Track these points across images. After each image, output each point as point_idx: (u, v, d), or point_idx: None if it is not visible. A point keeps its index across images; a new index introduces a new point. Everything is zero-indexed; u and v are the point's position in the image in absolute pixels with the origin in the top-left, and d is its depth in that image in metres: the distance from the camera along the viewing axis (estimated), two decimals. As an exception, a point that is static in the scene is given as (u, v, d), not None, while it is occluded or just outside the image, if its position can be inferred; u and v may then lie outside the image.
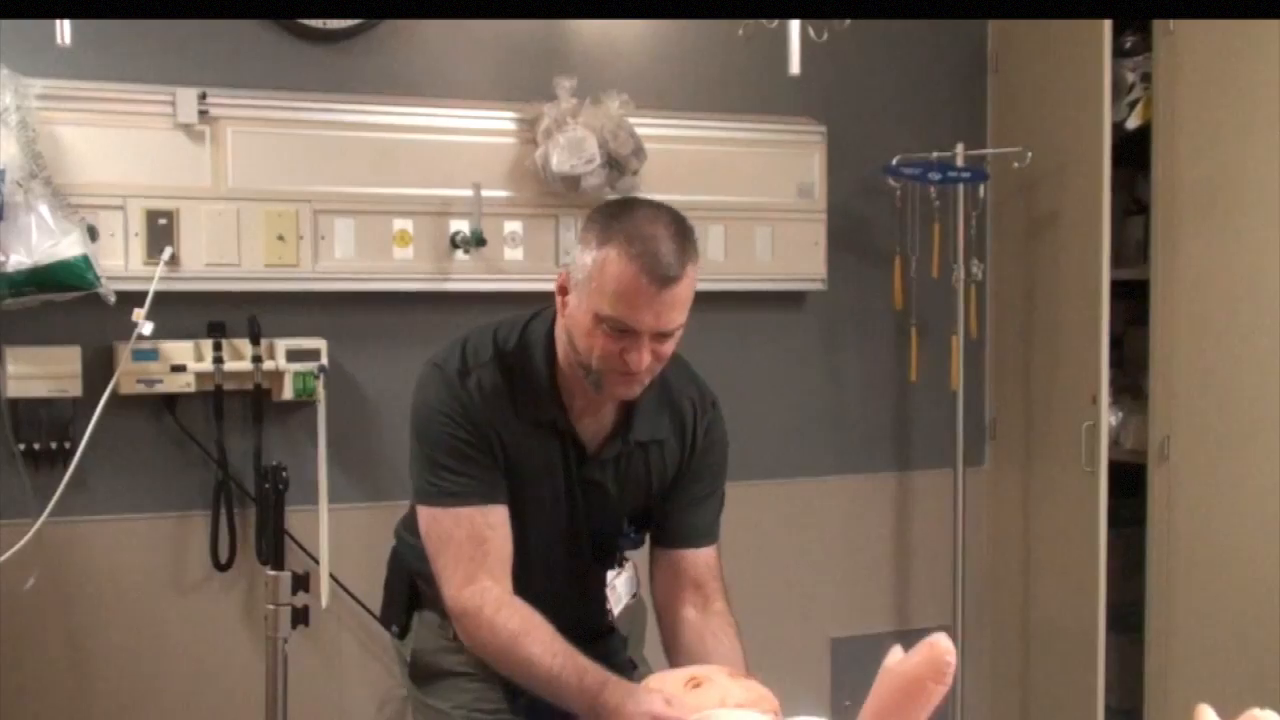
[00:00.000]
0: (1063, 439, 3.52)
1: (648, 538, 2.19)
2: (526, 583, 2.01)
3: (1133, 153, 3.45)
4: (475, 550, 1.95)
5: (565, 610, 2.01)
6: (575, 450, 2.03)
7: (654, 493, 2.09)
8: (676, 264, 1.81)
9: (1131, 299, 3.56)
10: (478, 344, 2.01)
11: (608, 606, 2.14)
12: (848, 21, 2.96)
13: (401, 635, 2.24)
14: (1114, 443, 3.51)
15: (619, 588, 2.16)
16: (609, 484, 2.06)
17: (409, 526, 2.22)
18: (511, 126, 3.27)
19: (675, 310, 1.84)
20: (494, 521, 1.97)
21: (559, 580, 2.08)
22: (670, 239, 1.83)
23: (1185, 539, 3.31)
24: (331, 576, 3.11)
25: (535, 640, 1.91)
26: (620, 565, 2.17)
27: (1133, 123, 3.43)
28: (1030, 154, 3.49)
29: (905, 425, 3.83)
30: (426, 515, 2.02)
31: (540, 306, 2.06)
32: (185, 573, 3.11)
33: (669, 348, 1.90)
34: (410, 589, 2.20)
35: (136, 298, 2.89)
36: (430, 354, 2.06)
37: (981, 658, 3.82)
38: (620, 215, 1.88)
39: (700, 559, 2.12)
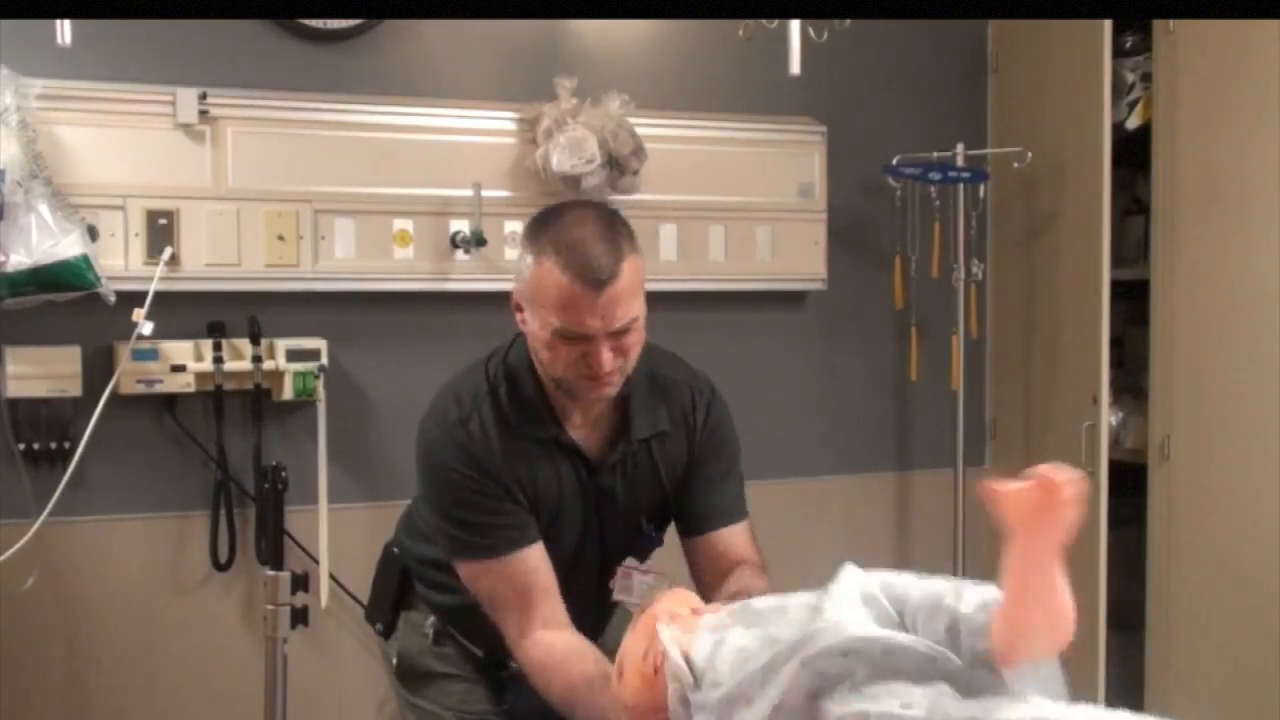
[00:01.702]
0: (1063, 439, 3.52)
1: (676, 536, 2.15)
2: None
3: (1133, 153, 3.45)
4: (521, 600, 1.93)
5: (594, 618, 2.02)
6: (582, 462, 2.01)
7: (666, 486, 2.07)
8: (609, 264, 1.80)
9: (1131, 299, 3.56)
10: (472, 385, 1.99)
11: (613, 594, 2.09)
12: (848, 21, 2.96)
13: (386, 634, 2.23)
14: (1114, 443, 3.51)
15: (634, 581, 2.10)
16: (619, 487, 2.04)
17: (409, 529, 2.22)
18: (511, 126, 3.26)
19: (620, 306, 1.82)
20: (532, 565, 1.94)
21: (586, 591, 2.06)
22: (599, 239, 1.82)
23: (1185, 539, 3.31)
24: (331, 576, 3.11)
25: (582, 689, 1.87)
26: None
27: (1133, 123, 3.43)
28: (1030, 154, 3.49)
29: (905, 425, 3.83)
30: (466, 571, 1.99)
31: (514, 334, 2.04)
32: (185, 573, 3.11)
33: (631, 340, 1.88)
34: (399, 589, 2.19)
35: (136, 298, 2.89)
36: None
37: (981, 658, 3.81)
38: (547, 225, 1.87)
39: (733, 538, 2.07)
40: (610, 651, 1.86)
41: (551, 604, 1.95)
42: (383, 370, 3.21)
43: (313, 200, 3.08)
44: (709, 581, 2.05)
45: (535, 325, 1.87)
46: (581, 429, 2.01)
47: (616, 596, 2.06)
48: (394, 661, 2.20)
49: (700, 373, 2.14)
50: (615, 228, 1.86)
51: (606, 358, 1.84)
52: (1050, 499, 1.34)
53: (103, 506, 3.02)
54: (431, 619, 2.16)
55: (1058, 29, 3.48)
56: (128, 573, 3.06)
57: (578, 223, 1.85)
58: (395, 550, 2.24)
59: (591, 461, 2.02)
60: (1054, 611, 1.42)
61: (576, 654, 1.89)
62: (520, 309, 1.92)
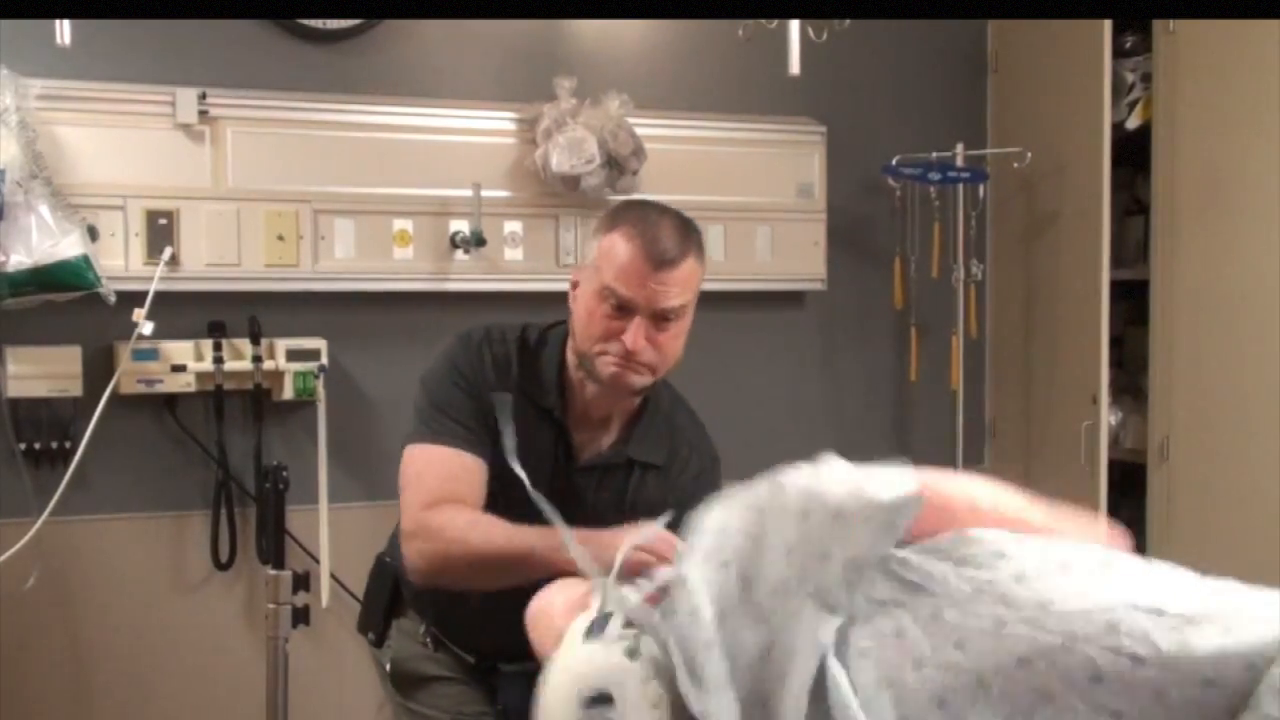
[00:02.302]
0: (1063, 439, 3.52)
1: None
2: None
3: (1133, 153, 3.45)
4: (444, 485, 1.93)
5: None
6: (564, 449, 2.02)
7: (625, 513, 2.00)
8: (675, 249, 1.89)
9: (1131, 299, 3.56)
10: (505, 329, 2.06)
11: None
12: (848, 21, 2.97)
13: (379, 643, 2.24)
14: (1114, 442, 3.51)
15: None
16: (589, 491, 2.03)
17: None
18: (511, 126, 3.27)
19: (672, 290, 1.89)
20: (470, 466, 1.94)
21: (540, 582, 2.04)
22: (672, 230, 1.92)
23: (1185, 539, 3.31)
24: (332, 576, 3.11)
25: (492, 522, 1.86)
26: None
27: (1133, 123, 3.43)
28: (1030, 154, 3.49)
29: (905, 425, 3.83)
30: (406, 456, 1.99)
31: (566, 316, 2.07)
32: (186, 572, 3.11)
33: (667, 336, 1.92)
34: (391, 597, 2.20)
35: (136, 298, 2.89)
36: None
37: (981, 658, 3.81)
38: (630, 207, 2.02)
39: None
40: None
41: (472, 504, 1.92)
42: (383, 370, 3.21)
43: (312, 200, 3.08)
44: None
45: (586, 293, 1.94)
46: (580, 422, 2.02)
47: None
48: (387, 668, 2.21)
49: (711, 443, 2.14)
50: (688, 228, 1.96)
51: (641, 340, 1.89)
52: None
53: (103, 506, 3.02)
54: (424, 627, 2.16)
55: (1058, 29, 3.48)
56: (128, 573, 3.06)
57: (659, 213, 1.96)
58: (387, 560, 2.24)
59: (574, 451, 2.03)
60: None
61: (491, 519, 1.87)
62: (576, 285, 1.99)
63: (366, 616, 2.28)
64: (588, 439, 2.04)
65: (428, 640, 2.14)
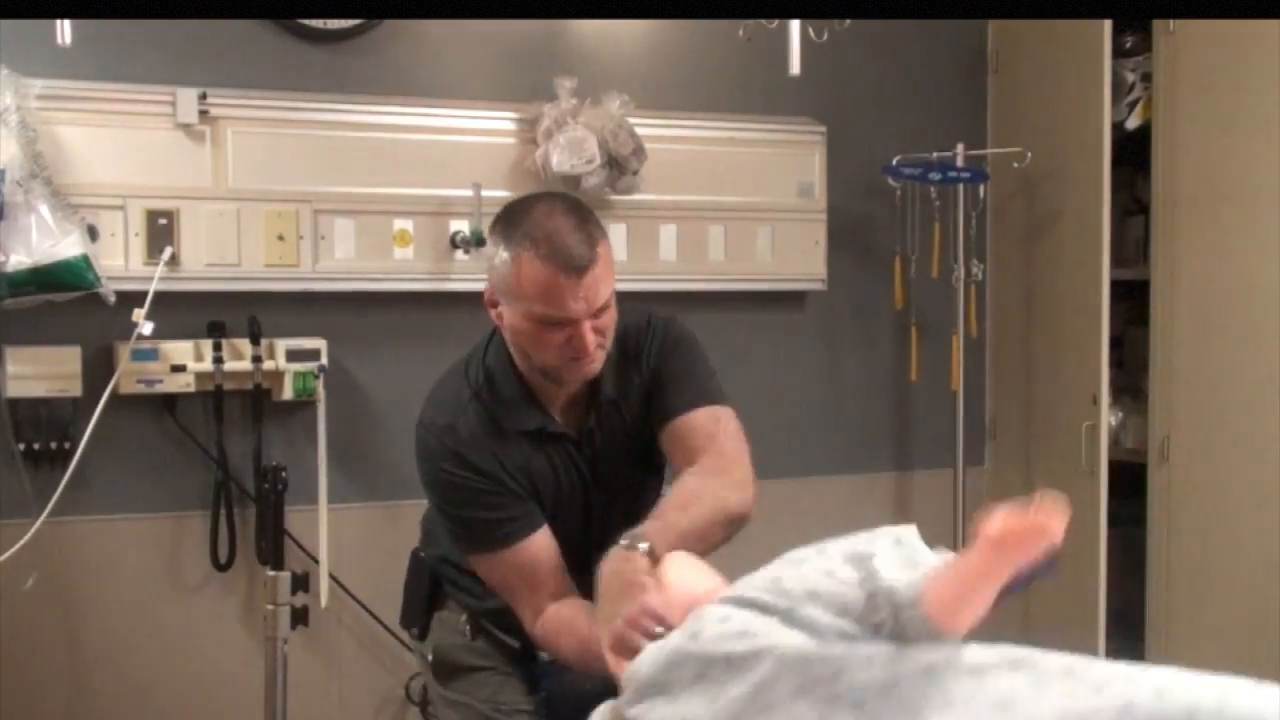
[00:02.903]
0: (1063, 439, 3.52)
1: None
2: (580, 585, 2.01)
3: (1133, 153, 3.45)
4: (530, 584, 1.98)
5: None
6: (571, 443, 2.05)
7: (640, 425, 2.09)
8: (586, 251, 1.87)
9: (1131, 299, 3.56)
10: (455, 390, 2.04)
11: None
12: (848, 21, 2.97)
13: (421, 636, 2.26)
14: (1114, 443, 3.51)
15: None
16: (602, 446, 2.07)
17: (428, 534, 2.25)
18: (511, 126, 3.27)
19: (599, 288, 1.89)
20: (536, 550, 1.98)
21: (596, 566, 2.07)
22: (573, 229, 1.88)
23: (1185, 539, 3.31)
24: (331, 576, 3.11)
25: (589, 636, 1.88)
26: None
27: (1133, 123, 3.43)
28: (1030, 154, 3.49)
29: (905, 425, 3.83)
30: (480, 565, 2.05)
31: (487, 333, 2.10)
32: (185, 573, 3.11)
33: (607, 320, 1.94)
34: (430, 591, 2.22)
35: (136, 298, 2.89)
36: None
37: (981, 658, 3.81)
38: (518, 218, 1.93)
39: (692, 421, 2.03)
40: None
41: (558, 581, 1.99)
42: (383, 370, 3.21)
43: (313, 200, 3.08)
44: (680, 470, 2.04)
45: (516, 317, 1.93)
46: (564, 412, 2.05)
47: None
48: (429, 659, 2.23)
49: (653, 310, 2.15)
50: (585, 215, 1.93)
51: (591, 338, 1.90)
52: (1036, 537, 1.34)
53: (103, 506, 3.02)
54: (464, 616, 2.18)
55: (1058, 29, 3.48)
56: (128, 573, 3.06)
57: (547, 215, 1.90)
58: (423, 554, 2.27)
59: (576, 439, 2.05)
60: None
61: (583, 611, 1.91)
62: (495, 304, 1.98)
63: (408, 611, 2.30)
64: (573, 416, 2.07)
65: (467, 629, 2.17)
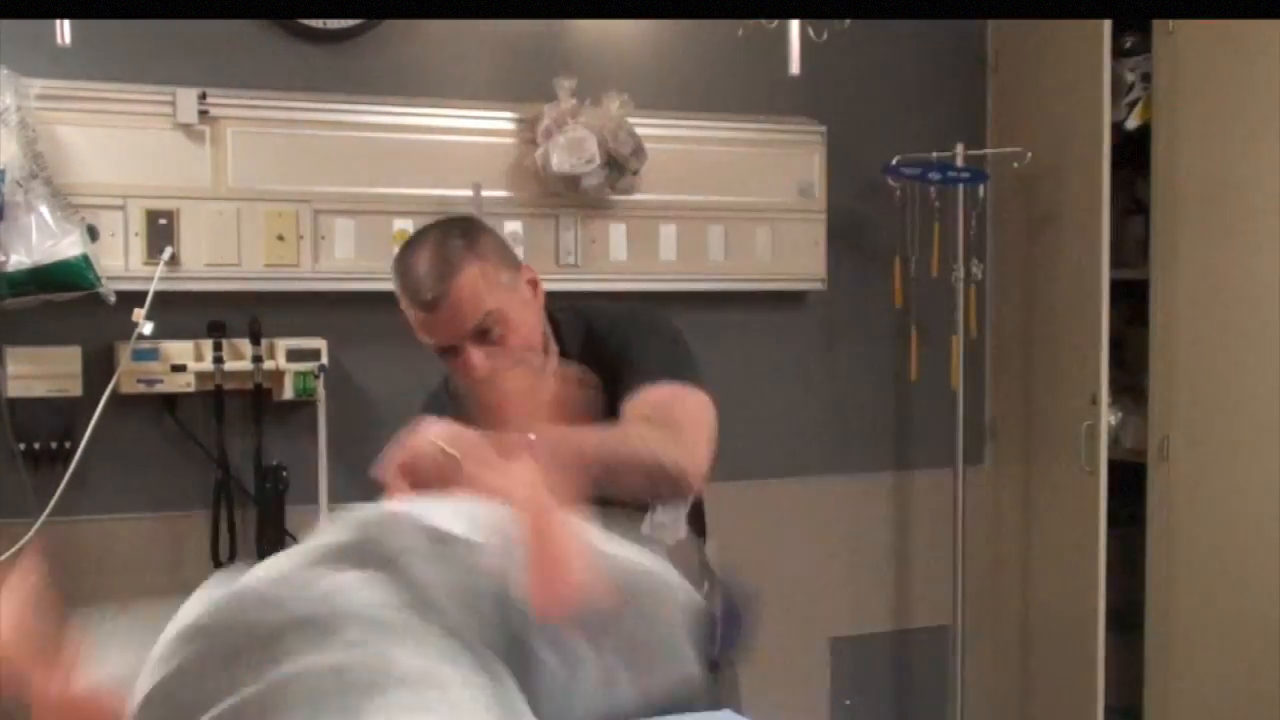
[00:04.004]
0: (1063, 439, 3.52)
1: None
2: None
3: (1133, 153, 3.45)
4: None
5: None
6: None
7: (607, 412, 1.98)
8: (432, 285, 1.87)
9: (1131, 299, 3.56)
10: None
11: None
12: (848, 21, 2.97)
13: None
14: (1114, 443, 3.51)
15: (659, 518, 2.01)
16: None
17: None
18: (511, 126, 3.27)
19: (458, 318, 1.89)
20: None
21: None
22: (426, 260, 1.90)
23: (1185, 539, 3.31)
24: (331, 576, 3.10)
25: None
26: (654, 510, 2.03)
27: (1133, 123, 3.43)
28: (1030, 154, 3.49)
29: (905, 425, 3.83)
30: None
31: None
32: (185, 573, 3.11)
33: (501, 336, 1.91)
34: None
35: (136, 298, 2.89)
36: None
37: (981, 657, 3.82)
38: (400, 252, 1.97)
39: (643, 395, 1.92)
40: None
41: None
42: (383, 370, 3.21)
43: (312, 200, 3.08)
44: None
45: None
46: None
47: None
48: None
49: (634, 306, 2.14)
50: (447, 244, 1.91)
51: (477, 358, 1.90)
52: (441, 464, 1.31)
53: (103, 506, 3.02)
54: None
55: (1058, 29, 3.48)
56: (128, 573, 3.06)
57: (416, 245, 1.95)
58: None
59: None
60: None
61: None
62: None
63: None
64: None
65: None
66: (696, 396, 1.94)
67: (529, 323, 1.97)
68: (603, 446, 1.76)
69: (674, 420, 1.88)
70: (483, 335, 1.90)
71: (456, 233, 1.96)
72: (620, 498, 1.86)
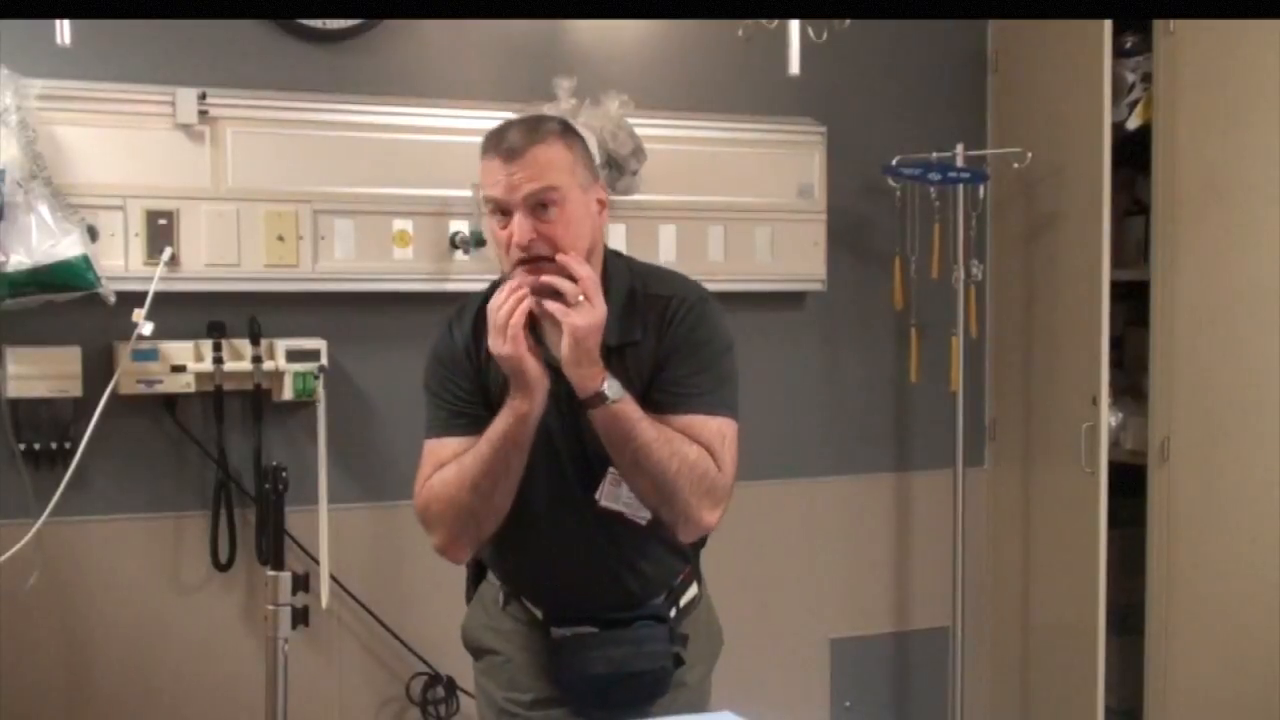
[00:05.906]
0: (1063, 439, 3.52)
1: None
2: (538, 530, 2.06)
3: (1133, 153, 3.45)
4: (432, 466, 2.07)
5: (589, 526, 2.04)
6: (561, 379, 1.99)
7: (637, 387, 2.04)
8: (520, 139, 1.96)
9: (1131, 299, 3.56)
10: (474, 296, 2.13)
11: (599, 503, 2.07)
12: (848, 21, 2.97)
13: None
14: (1114, 443, 3.51)
15: (622, 489, 2.07)
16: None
17: None
18: (511, 127, 3.26)
19: (526, 175, 1.94)
20: (455, 448, 2.04)
21: (575, 503, 2.06)
22: (519, 125, 2.00)
23: (1185, 539, 3.31)
24: (331, 577, 3.11)
25: (458, 460, 2.02)
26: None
27: (1133, 123, 3.43)
28: (1030, 154, 3.49)
29: (905, 425, 3.83)
30: (426, 448, 2.12)
31: None
32: (185, 573, 3.11)
33: (554, 219, 1.96)
34: (475, 568, 2.26)
35: (136, 298, 2.89)
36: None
37: (981, 658, 3.82)
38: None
39: (694, 425, 2.03)
40: (605, 558, 2.07)
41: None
42: (383, 370, 3.21)
43: (312, 200, 3.08)
44: None
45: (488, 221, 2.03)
46: (559, 346, 1.99)
47: (604, 504, 2.06)
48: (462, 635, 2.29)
49: (694, 284, 2.18)
50: (543, 122, 2.03)
51: (524, 226, 1.94)
52: None
53: (103, 506, 3.02)
54: (499, 584, 2.20)
55: (1058, 29, 3.48)
56: (128, 573, 3.06)
57: (513, 119, 2.05)
58: None
59: (559, 371, 1.99)
60: None
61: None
62: None
63: (467, 588, 2.34)
64: None
65: (501, 595, 2.18)
66: (733, 432, 2.09)
67: (584, 226, 2.01)
68: (654, 446, 1.95)
69: (721, 464, 2.03)
70: (539, 209, 1.95)
71: (558, 121, 2.06)
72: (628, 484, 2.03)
